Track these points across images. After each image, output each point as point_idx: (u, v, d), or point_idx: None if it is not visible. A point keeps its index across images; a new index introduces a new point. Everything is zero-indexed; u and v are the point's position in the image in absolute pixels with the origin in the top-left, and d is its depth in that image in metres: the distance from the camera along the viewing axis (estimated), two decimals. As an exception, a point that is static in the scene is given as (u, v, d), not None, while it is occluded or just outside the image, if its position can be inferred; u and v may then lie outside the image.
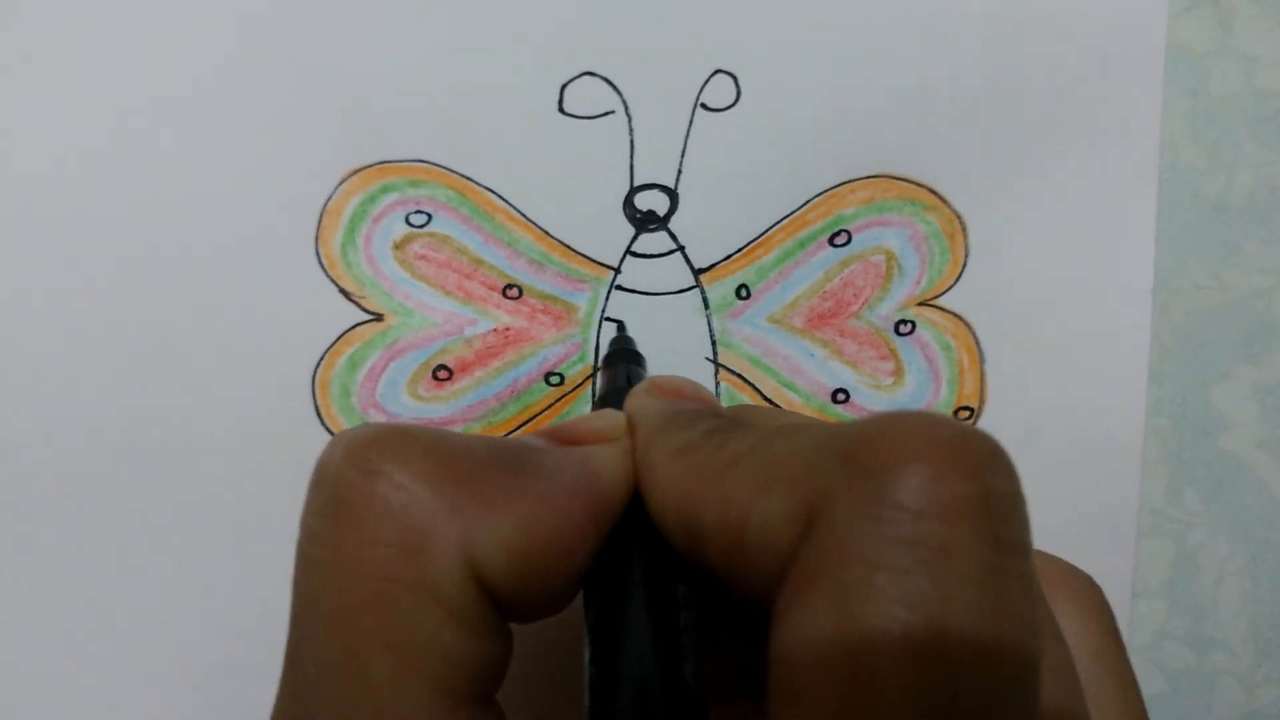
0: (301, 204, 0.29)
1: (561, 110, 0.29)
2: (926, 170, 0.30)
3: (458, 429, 0.29)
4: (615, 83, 0.29)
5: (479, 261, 0.29)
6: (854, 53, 0.30)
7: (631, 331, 0.30)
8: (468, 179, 0.29)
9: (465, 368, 0.29)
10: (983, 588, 0.11)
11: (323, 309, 0.29)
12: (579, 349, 0.30)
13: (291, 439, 0.29)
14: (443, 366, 0.29)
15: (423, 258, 0.29)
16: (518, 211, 0.29)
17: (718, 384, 0.30)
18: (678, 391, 0.17)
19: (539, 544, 0.13)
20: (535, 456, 0.15)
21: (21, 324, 0.28)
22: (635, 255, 0.30)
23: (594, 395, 0.30)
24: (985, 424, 0.31)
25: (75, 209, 0.28)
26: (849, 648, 0.11)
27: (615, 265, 0.30)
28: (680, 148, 0.30)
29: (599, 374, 0.26)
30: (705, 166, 0.30)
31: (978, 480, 0.11)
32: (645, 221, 0.30)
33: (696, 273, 0.30)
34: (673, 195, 0.30)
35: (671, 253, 0.30)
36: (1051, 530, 0.30)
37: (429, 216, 0.29)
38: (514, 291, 0.29)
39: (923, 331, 0.31)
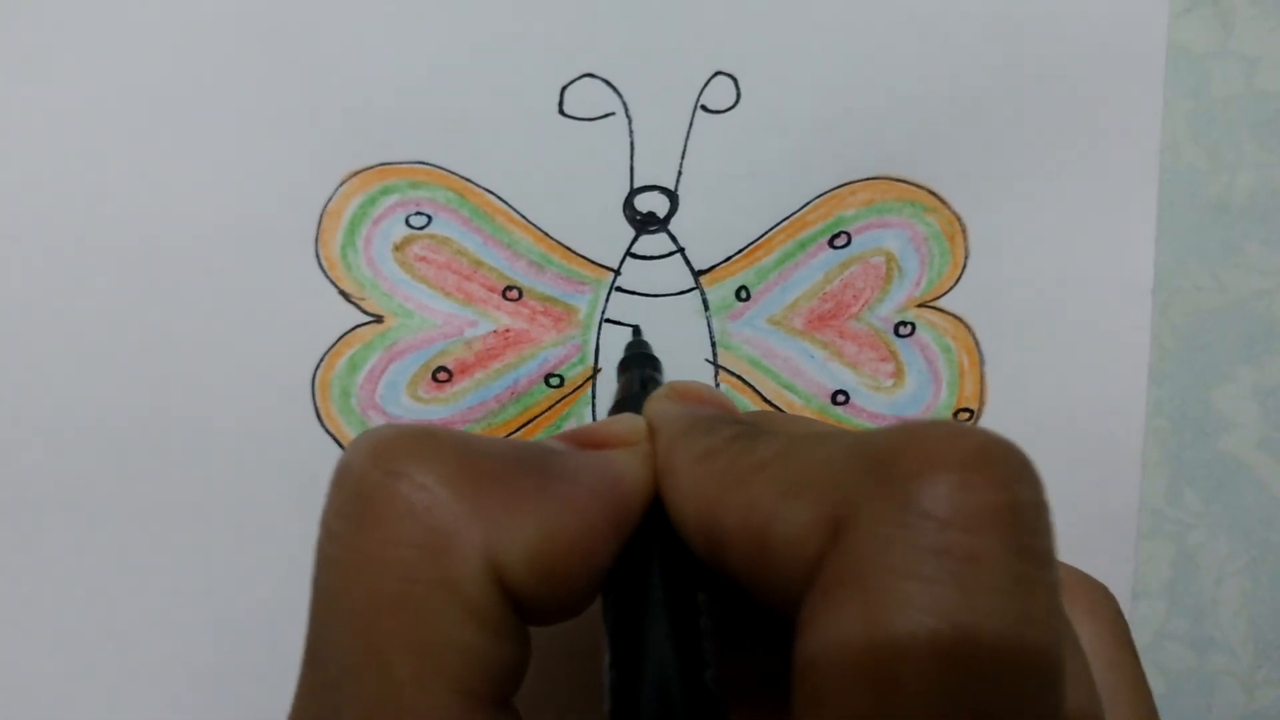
0: (301, 205, 0.29)
1: (562, 112, 0.29)
2: (926, 172, 0.30)
3: (458, 430, 0.29)
4: (615, 84, 0.29)
5: (479, 263, 0.29)
6: (854, 54, 0.30)
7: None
8: (468, 181, 0.29)
9: (465, 369, 0.29)
10: (1010, 597, 0.11)
11: (322, 311, 0.29)
12: (579, 350, 0.30)
13: (291, 440, 0.29)
14: (443, 368, 0.29)
15: (423, 259, 0.29)
16: (518, 213, 0.29)
17: (717, 385, 0.30)
18: (697, 396, 0.17)
19: (561, 546, 0.13)
20: (557, 459, 0.15)
21: (22, 326, 0.28)
22: (635, 257, 0.30)
23: (594, 397, 0.30)
24: (985, 425, 0.31)
25: (75, 210, 0.28)
26: (876, 654, 0.11)
27: (615, 267, 0.30)
28: (680, 149, 0.30)
29: (616, 378, 0.26)
30: (705, 168, 0.30)
31: (1005, 490, 0.12)
32: (645, 223, 0.30)
33: (696, 274, 0.30)
34: (673, 197, 0.30)
35: (671, 254, 0.30)
36: (1051, 531, 0.30)
37: (429, 218, 0.29)
38: (514, 293, 0.29)
39: (923, 333, 0.31)
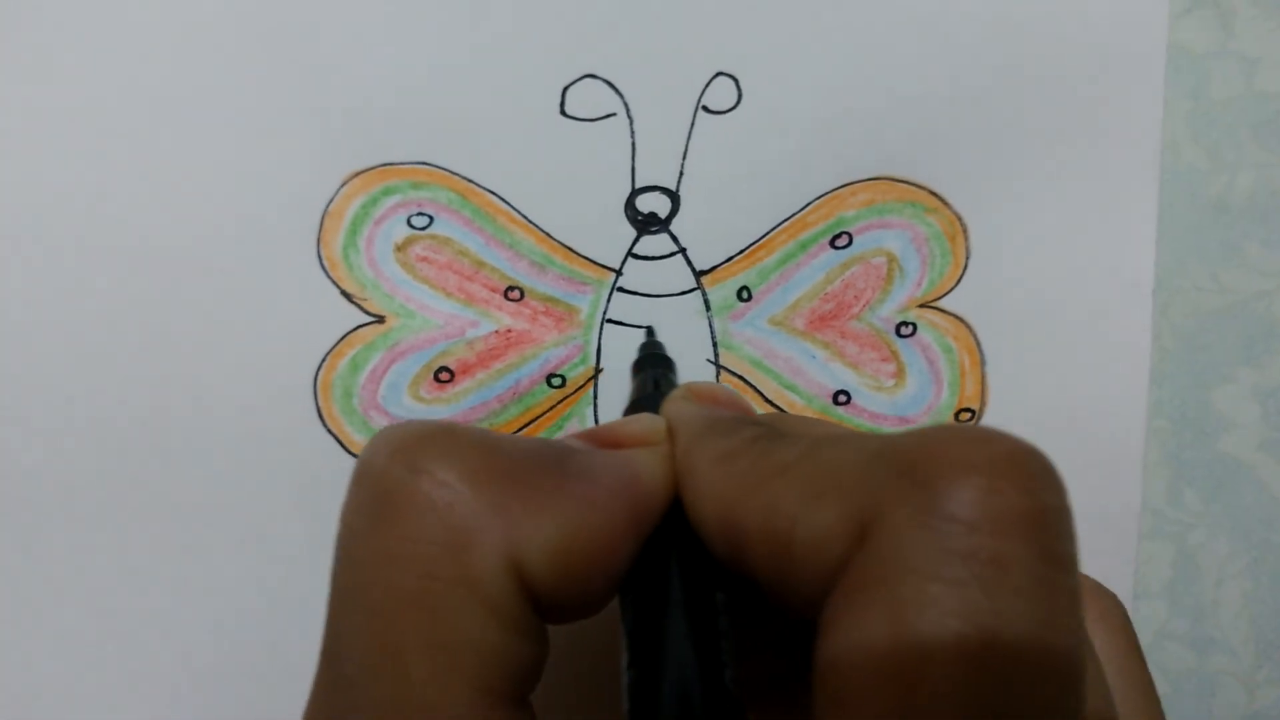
0: (303, 206, 0.29)
1: (563, 112, 0.29)
2: (927, 172, 0.30)
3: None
4: (617, 85, 0.29)
5: (480, 263, 0.29)
6: (855, 54, 0.30)
7: (634, 334, 0.30)
8: (469, 181, 0.29)
9: (467, 369, 0.29)
10: (1034, 601, 0.11)
11: (324, 311, 0.29)
12: (580, 351, 0.30)
13: (293, 441, 0.29)
14: (444, 368, 0.29)
15: (424, 260, 0.29)
16: (519, 213, 0.29)
17: (719, 386, 0.30)
18: (715, 398, 0.17)
19: (581, 545, 0.14)
20: (577, 458, 0.15)
21: (23, 326, 0.28)
22: (636, 257, 0.30)
23: (595, 397, 0.30)
24: (986, 425, 0.31)
25: (76, 211, 0.28)
26: (901, 656, 0.11)
27: (617, 267, 0.30)
28: (682, 150, 0.30)
29: (631, 378, 0.26)
30: (706, 168, 0.30)
31: (1032, 495, 0.12)
32: (647, 223, 0.30)
33: (698, 275, 0.30)
34: (674, 197, 0.30)
35: (673, 255, 0.30)
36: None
37: (430, 219, 0.29)
38: (515, 293, 0.30)
39: (924, 333, 0.31)
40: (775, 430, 0.15)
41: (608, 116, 0.29)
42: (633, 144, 0.29)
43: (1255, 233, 0.32)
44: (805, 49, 0.30)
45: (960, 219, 0.30)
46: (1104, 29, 0.30)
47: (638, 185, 0.30)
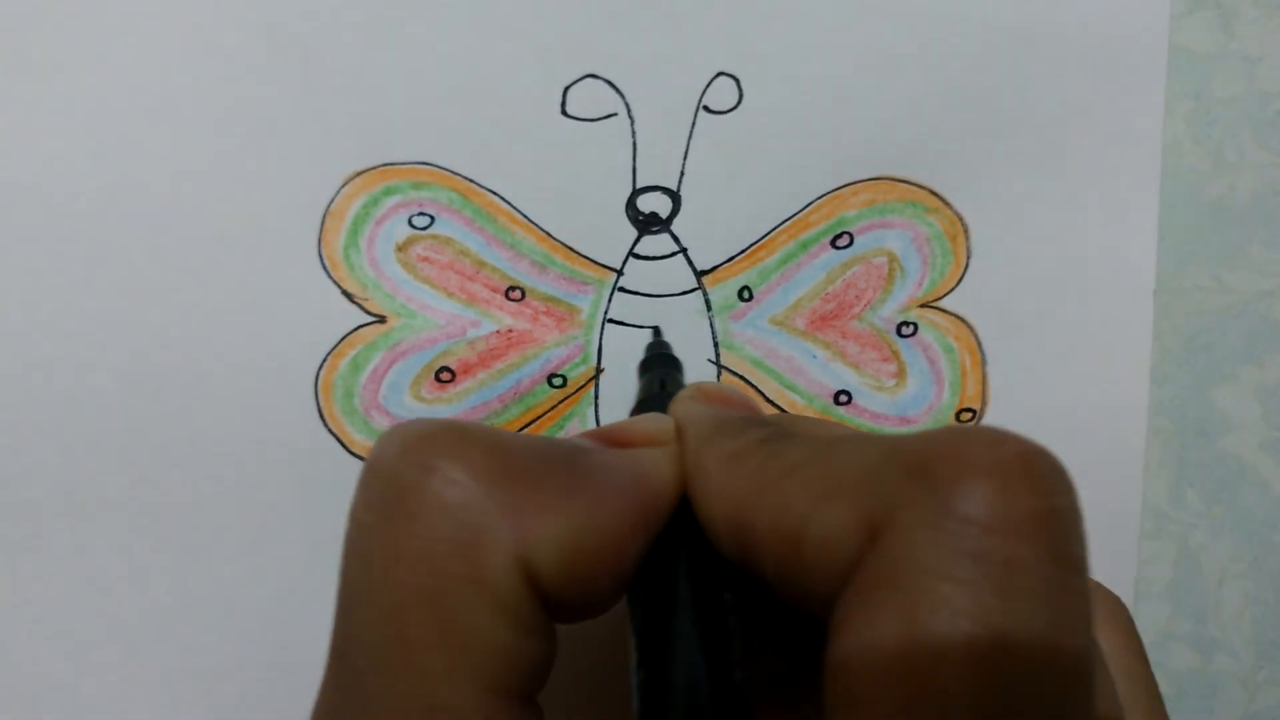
0: (304, 206, 0.29)
1: (564, 112, 0.29)
2: (928, 172, 0.30)
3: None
4: (618, 85, 0.29)
5: (481, 263, 0.29)
6: (856, 55, 0.30)
7: (634, 334, 0.30)
8: (470, 181, 0.29)
9: (468, 369, 0.29)
10: (1045, 602, 0.11)
11: (325, 311, 0.29)
12: (581, 350, 0.30)
13: (294, 441, 0.29)
14: (445, 368, 0.29)
15: (425, 260, 0.29)
16: (520, 213, 0.29)
17: (720, 386, 0.30)
18: (724, 398, 0.17)
19: (590, 544, 0.14)
20: (587, 457, 0.15)
21: (23, 326, 0.28)
22: (638, 257, 0.30)
23: (596, 397, 0.30)
24: (987, 426, 0.31)
25: (77, 211, 0.28)
26: (912, 656, 0.11)
27: (618, 267, 0.30)
28: (682, 150, 0.30)
29: (637, 378, 0.26)
30: (707, 168, 0.30)
31: (1043, 497, 0.12)
32: (648, 223, 0.30)
33: (699, 275, 0.30)
34: (675, 197, 0.30)
35: (674, 255, 0.30)
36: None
37: (432, 219, 0.29)
38: (516, 293, 0.30)
39: (925, 333, 0.31)
40: (784, 431, 0.15)
41: (609, 116, 0.29)
42: (634, 144, 0.29)
43: (1257, 233, 0.32)
44: (806, 49, 0.30)
45: (961, 219, 0.30)
46: (1105, 29, 0.30)
47: (639, 185, 0.30)
